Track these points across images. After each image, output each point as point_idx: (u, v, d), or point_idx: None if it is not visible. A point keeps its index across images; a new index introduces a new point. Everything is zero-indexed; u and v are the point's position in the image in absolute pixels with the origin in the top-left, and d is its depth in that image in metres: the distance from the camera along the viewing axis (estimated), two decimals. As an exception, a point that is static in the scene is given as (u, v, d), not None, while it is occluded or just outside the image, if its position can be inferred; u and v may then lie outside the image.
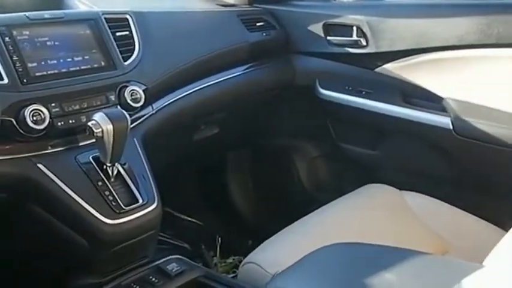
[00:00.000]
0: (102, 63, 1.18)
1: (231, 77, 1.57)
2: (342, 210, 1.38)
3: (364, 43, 1.57)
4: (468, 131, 1.43)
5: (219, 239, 1.91)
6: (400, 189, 1.46)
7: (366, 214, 1.36)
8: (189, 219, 2.05)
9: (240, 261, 1.35)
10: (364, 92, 1.63)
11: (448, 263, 1.00)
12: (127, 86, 1.17)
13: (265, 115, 1.90)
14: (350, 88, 1.66)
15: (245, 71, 1.64)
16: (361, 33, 1.57)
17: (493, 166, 1.47)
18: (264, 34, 1.68)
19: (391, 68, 1.55)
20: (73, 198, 1.04)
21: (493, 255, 0.72)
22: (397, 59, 1.54)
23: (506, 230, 0.76)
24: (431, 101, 1.50)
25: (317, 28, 1.67)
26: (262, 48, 1.67)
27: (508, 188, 1.45)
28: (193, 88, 1.44)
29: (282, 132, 1.97)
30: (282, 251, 1.21)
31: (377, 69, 1.58)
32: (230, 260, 1.91)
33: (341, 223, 1.32)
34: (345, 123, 1.77)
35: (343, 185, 1.62)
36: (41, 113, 1.01)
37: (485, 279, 0.57)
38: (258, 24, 1.69)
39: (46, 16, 1.14)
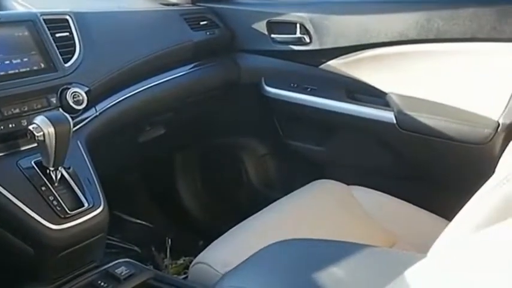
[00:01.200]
0: (42, 65, 1.15)
1: (175, 77, 1.56)
2: (290, 207, 1.39)
3: (307, 40, 1.59)
4: (411, 124, 1.47)
5: (169, 240, 1.89)
6: (348, 184, 1.49)
7: (315, 210, 1.37)
8: (138, 221, 2.03)
9: (191, 262, 1.35)
10: (309, 89, 1.65)
11: (394, 255, 1.02)
12: (68, 88, 1.15)
13: (211, 114, 1.89)
14: (295, 85, 1.68)
15: (190, 71, 1.63)
16: (305, 30, 1.59)
17: (436, 158, 1.51)
18: (208, 33, 1.67)
19: (334, 64, 1.58)
20: (15, 204, 1.01)
21: (435, 245, 0.75)
22: (341, 55, 1.56)
23: (451, 220, 0.78)
24: (375, 96, 1.53)
25: (261, 26, 1.67)
26: (207, 47, 1.67)
27: (451, 179, 1.50)
28: (137, 89, 1.42)
29: (229, 131, 1.98)
30: (232, 250, 1.22)
31: (321, 66, 1.60)
32: (181, 261, 1.90)
33: (290, 220, 1.33)
34: (291, 120, 1.78)
35: (292, 182, 1.63)
36: None
37: (427, 269, 0.59)
38: (201, 23, 1.68)
39: None
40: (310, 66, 1.64)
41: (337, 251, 0.98)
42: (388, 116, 1.50)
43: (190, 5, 1.78)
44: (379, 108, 1.53)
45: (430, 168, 1.55)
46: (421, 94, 1.45)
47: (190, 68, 1.63)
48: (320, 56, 1.60)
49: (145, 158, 1.87)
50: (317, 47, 1.58)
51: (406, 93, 1.47)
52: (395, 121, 1.49)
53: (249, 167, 1.98)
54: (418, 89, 1.46)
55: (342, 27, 1.54)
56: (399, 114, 1.48)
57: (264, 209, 1.38)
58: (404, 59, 1.46)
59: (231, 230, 1.29)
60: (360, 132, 1.62)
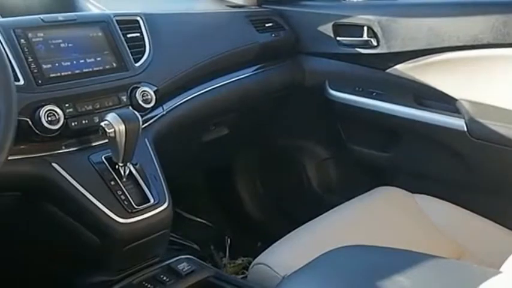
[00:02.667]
0: (114, 65, 1.19)
1: (240, 78, 1.58)
2: (352, 213, 1.38)
3: (374, 43, 1.57)
4: (483, 133, 1.42)
5: (228, 239, 1.91)
6: (412, 192, 1.45)
7: (377, 217, 1.35)
8: (199, 219, 2.06)
9: (249, 263, 1.35)
10: (374, 93, 1.63)
11: (464, 268, 0.98)
12: (138, 87, 1.18)
13: (274, 116, 1.90)
14: (360, 89, 1.65)
15: (254, 72, 1.64)
16: (372, 33, 1.57)
17: (509, 169, 1.45)
18: (273, 35, 1.68)
19: (402, 68, 1.55)
20: (86, 197, 1.05)
21: (510, 261, 0.72)
22: (409, 59, 1.53)
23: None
24: (445, 102, 1.49)
25: (326, 28, 1.66)
26: (271, 49, 1.67)
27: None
28: (203, 89, 1.45)
29: (291, 134, 1.97)
30: (292, 252, 1.21)
31: (388, 70, 1.58)
32: (239, 261, 1.91)
33: (351, 226, 1.31)
34: (355, 124, 1.76)
35: (353, 188, 1.61)
36: (55, 113, 1.03)
37: (503, 285, 0.57)
38: (267, 25, 1.69)
39: (60, 18, 1.16)
40: (376, 69, 1.61)
41: (402, 259, 0.96)
42: (458, 123, 1.45)
43: (256, 7, 1.79)
44: (448, 115, 1.48)
45: (502, 180, 1.48)
46: (495, 101, 1.40)
47: (255, 70, 1.64)
48: (387, 59, 1.57)
49: (208, 158, 1.90)
50: (384, 51, 1.56)
51: (478, 100, 1.42)
52: (465, 129, 1.44)
53: (309, 170, 1.97)
54: (492, 95, 1.40)
55: (412, 30, 1.51)
56: (470, 121, 1.43)
57: (325, 214, 1.36)
58: (477, 64, 1.42)
59: (291, 233, 1.29)
60: (427, 139, 1.57)
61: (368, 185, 1.51)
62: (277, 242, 1.26)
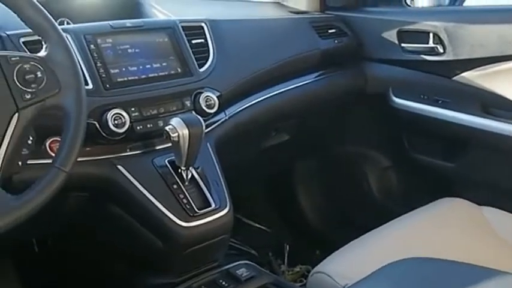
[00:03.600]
0: (179, 70, 1.21)
1: (302, 84, 1.57)
2: (416, 224, 1.34)
3: (441, 50, 1.53)
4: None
5: (287, 246, 1.91)
6: (479, 204, 1.40)
7: (442, 229, 1.30)
8: (257, 225, 2.07)
9: (308, 271, 1.35)
10: (440, 101, 1.58)
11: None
12: (202, 92, 1.20)
13: (335, 123, 1.88)
14: (425, 97, 1.61)
15: (316, 78, 1.63)
16: (438, 39, 1.53)
17: None
18: (336, 41, 1.67)
19: (470, 76, 1.50)
20: (150, 199, 1.07)
21: None
22: (477, 66, 1.48)
23: None
24: (514, 111, 1.44)
25: (391, 35, 1.64)
26: (334, 55, 1.66)
27: None
28: (265, 95, 1.45)
29: (353, 141, 1.95)
30: (353, 262, 1.19)
31: (455, 78, 1.53)
32: (297, 269, 1.90)
33: (414, 237, 1.28)
34: (419, 133, 1.72)
35: (416, 198, 1.57)
36: (121, 117, 1.05)
37: None
38: (330, 31, 1.68)
39: (128, 25, 1.19)
40: (442, 77, 1.57)
41: (467, 274, 0.93)
42: (529, 133, 1.40)
43: (319, 13, 1.79)
44: (518, 125, 1.42)
45: None
46: None
47: (317, 76, 1.63)
48: (454, 67, 1.53)
49: (268, 163, 1.90)
50: (451, 58, 1.51)
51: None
52: (536, 139, 1.38)
53: (371, 179, 1.94)
54: None
55: (480, 37, 1.46)
56: (542, 132, 1.37)
57: (387, 224, 1.33)
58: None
59: (352, 243, 1.26)
60: (496, 150, 1.51)
61: (431, 195, 1.47)
62: (337, 251, 1.24)
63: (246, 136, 1.44)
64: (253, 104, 1.41)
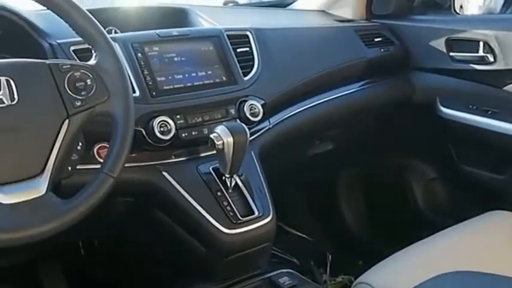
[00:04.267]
0: (224, 78, 1.22)
1: (347, 93, 1.56)
2: (462, 237, 1.30)
3: (491, 59, 1.49)
4: None
5: (330, 256, 1.89)
6: None
7: (489, 242, 1.27)
8: (299, 234, 2.06)
9: (350, 281, 1.33)
10: (490, 112, 1.54)
11: None
12: (246, 101, 1.20)
13: (380, 132, 1.86)
14: (474, 107, 1.57)
15: (362, 87, 1.61)
16: (489, 48, 1.49)
17: None
18: (382, 50, 1.65)
19: (521, 86, 1.46)
20: (194, 206, 1.08)
21: None
22: (529, 76, 1.44)
23: None
24: None
25: (439, 44, 1.60)
26: (380, 64, 1.64)
27: None
28: (309, 104, 1.44)
29: (398, 151, 1.92)
30: (397, 274, 1.17)
31: (506, 88, 1.49)
32: (339, 279, 1.88)
33: (461, 250, 1.24)
34: (467, 143, 1.68)
35: (463, 210, 1.53)
36: (167, 124, 1.07)
37: None
38: (376, 39, 1.66)
39: (174, 33, 1.21)
40: (492, 87, 1.53)
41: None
42: None
43: (366, 21, 1.77)
44: None
45: None
46: None
47: (362, 85, 1.62)
48: (505, 76, 1.48)
49: (312, 172, 1.89)
50: (502, 67, 1.47)
51: None
52: None
53: (416, 189, 1.91)
54: None
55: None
56: None
57: (433, 236, 1.30)
58: None
59: (396, 254, 1.24)
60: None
61: (478, 207, 1.43)
62: (381, 262, 1.22)
63: (289, 144, 1.44)
64: (298, 112, 1.40)
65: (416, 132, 1.81)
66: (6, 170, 0.83)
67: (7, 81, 0.84)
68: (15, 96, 0.84)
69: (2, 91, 0.83)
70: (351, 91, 1.57)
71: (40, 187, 0.84)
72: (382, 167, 1.99)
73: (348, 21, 1.75)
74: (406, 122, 1.78)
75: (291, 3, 1.91)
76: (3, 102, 0.83)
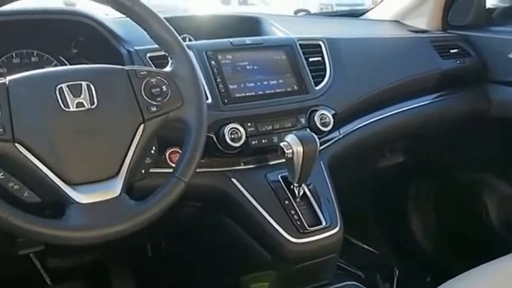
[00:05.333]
0: (295, 87, 1.22)
1: (420, 105, 1.52)
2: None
3: None
4: None
5: (397, 271, 1.85)
6: None
7: None
8: (365, 246, 2.02)
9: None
10: None
11: None
12: (317, 110, 1.20)
13: (453, 146, 1.80)
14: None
15: (436, 100, 1.57)
16: None
17: None
18: (458, 62, 1.61)
19: None
20: (261, 213, 1.09)
21: None
22: None
23: None
24: None
25: (518, 56, 1.55)
26: (455, 77, 1.60)
27: None
28: (381, 115, 1.42)
29: (471, 165, 1.85)
30: (468, 294, 1.13)
31: None
32: (406, 295, 1.84)
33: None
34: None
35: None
36: (238, 131, 1.09)
37: None
38: (452, 51, 1.62)
39: (247, 42, 1.23)
40: None
41: None
42: None
43: (441, 32, 1.74)
44: None
45: None
46: None
47: (436, 97, 1.58)
48: None
49: (380, 184, 1.86)
50: None
51: None
52: None
53: (489, 206, 1.83)
54: None
55: None
56: None
57: (508, 255, 1.25)
58: None
59: (468, 272, 1.19)
60: None
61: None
62: (451, 280, 1.18)
63: (359, 155, 1.42)
64: (369, 123, 1.39)
65: (491, 147, 1.75)
66: (83, 170, 0.86)
67: (88, 85, 0.88)
68: (95, 100, 0.87)
69: (82, 95, 0.87)
70: (424, 103, 1.53)
71: (115, 188, 0.86)
72: (454, 181, 1.93)
73: (423, 31, 1.72)
74: (480, 136, 1.72)
75: (364, 13, 1.90)
76: (84, 106, 0.86)
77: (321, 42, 1.34)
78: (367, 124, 1.38)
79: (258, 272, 1.19)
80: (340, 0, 11.10)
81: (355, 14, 1.91)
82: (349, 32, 1.57)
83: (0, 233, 1.00)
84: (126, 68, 0.94)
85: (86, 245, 0.86)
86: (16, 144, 0.81)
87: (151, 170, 0.98)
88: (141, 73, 0.93)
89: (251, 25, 1.51)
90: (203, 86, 1.03)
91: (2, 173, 0.86)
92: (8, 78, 0.85)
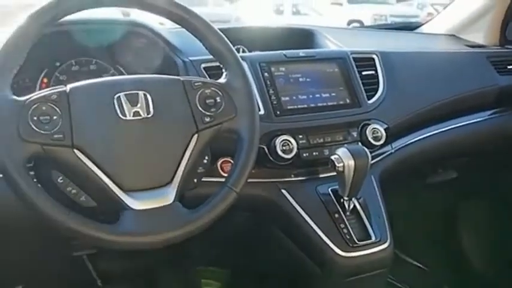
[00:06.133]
0: (347, 101, 1.22)
1: (476, 122, 1.49)
2: None
3: None
4: None
5: (448, 289, 1.81)
6: None
7: None
8: (415, 263, 1.98)
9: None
10: None
11: None
12: (369, 124, 1.20)
13: (509, 162, 1.75)
14: None
15: (492, 116, 1.54)
16: None
17: None
18: (516, 78, 1.56)
19: None
20: (311, 226, 1.10)
21: None
22: None
23: None
24: None
25: None
26: (513, 93, 1.56)
27: None
28: (435, 130, 1.40)
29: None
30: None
31: None
32: (456, 314, 1.79)
33: None
34: None
35: None
36: (289, 143, 1.09)
37: None
38: (509, 66, 1.58)
39: (301, 54, 1.24)
40: None
41: None
42: None
43: (498, 47, 1.70)
44: None
45: None
46: None
47: (492, 114, 1.54)
48: None
49: (431, 200, 1.83)
50: None
51: None
52: None
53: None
54: None
55: None
56: None
57: None
58: None
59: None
60: None
61: None
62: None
63: (411, 171, 1.41)
64: (422, 138, 1.37)
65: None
66: (138, 178, 0.88)
67: (144, 95, 0.90)
68: (151, 109, 0.89)
69: (139, 104, 0.89)
70: (480, 119, 1.50)
71: (168, 196, 0.88)
72: (509, 198, 1.87)
73: (480, 46, 1.68)
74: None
75: (419, 26, 1.87)
76: (140, 115, 0.89)
77: (374, 56, 1.33)
78: (420, 139, 1.37)
79: (307, 286, 1.19)
80: (395, 11, 11.02)
81: (409, 27, 1.88)
82: (404, 46, 1.56)
83: (57, 234, 1.04)
84: (181, 78, 0.96)
85: (135, 249, 0.88)
86: (75, 150, 0.84)
87: (205, 179, 1.00)
88: (196, 84, 0.95)
89: (304, 37, 1.52)
90: (256, 98, 1.04)
91: (61, 178, 0.89)
92: (69, 86, 0.89)
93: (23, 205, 0.82)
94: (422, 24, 1.88)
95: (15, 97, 0.84)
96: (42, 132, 0.83)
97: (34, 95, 0.85)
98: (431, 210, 1.98)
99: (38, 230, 1.04)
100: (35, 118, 0.83)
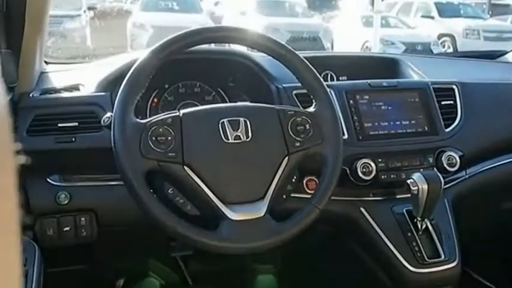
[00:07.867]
0: (426, 128, 1.31)
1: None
2: None
3: None
4: None
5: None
6: None
7: None
8: (487, 283, 2.00)
9: None
10: None
11: None
12: (445, 151, 1.27)
13: None
14: None
15: None
16: None
17: None
18: None
19: None
20: (385, 242, 1.20)
21: None
22: None
23: None
24: None
25: None
26: None
27: None
28: (508, 159, 1.44)
29: None
30: None
31: None
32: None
33: None
34: None
35: None
36: (369, 166, 1.20)
37: None
38: None
39: (384, 84, 1.34)
40: None
41: None
42: None
43: None
44: None
45: None
46: None
47: None
48: None
49: (505, 225, 1.85)
50: None
51: None
52: None
53: None
54: None
55: None
56: None
57: None
58: None
59: None
60: None
61: None
62: None
63: (485, 197, 1.47)
64: (497, 165, 1.42)
65: None
66: (236, 192, 1.01)
67: (245, 121, 1.04)
68: (250, 134, 1.03)
69: (240, 129, 1.03)
70: None
71: (261, 209, 1.00)
72: None
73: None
74: None
75: (502, 55, 1.90)
76: (240, 138, 1.03)
77: (454, 86, 1.40)
78: (495, 166, 1.42)
79: None
80: (488, 27, 10.53)
81: (492, 56, 1.92)
82: (484, 76, 1.60)
83: (160, 236, 1.20)
84: (276, 107, 1.09)
85: (231, 254, 1.02)
86: (185, 167, 0.99)
87: (292, 195, 1.13)
88: (289, 112, 1.08)
89: (388, 65, 1.60)
90: (341, 124, 1.15)
91: (171, 189, 1.04)
92: (182, 111, 1.04)
93: (139, 210, 0.97)
94: (507, 53, 1.90)
95: (138, 120, 1.00)
96: (159, 150, 0.98)
97: (153, 119, 1.01)
98: (505, 232, 1.99)
99: (145, 233, 1.21)
100: (154, 138, 0.98)
